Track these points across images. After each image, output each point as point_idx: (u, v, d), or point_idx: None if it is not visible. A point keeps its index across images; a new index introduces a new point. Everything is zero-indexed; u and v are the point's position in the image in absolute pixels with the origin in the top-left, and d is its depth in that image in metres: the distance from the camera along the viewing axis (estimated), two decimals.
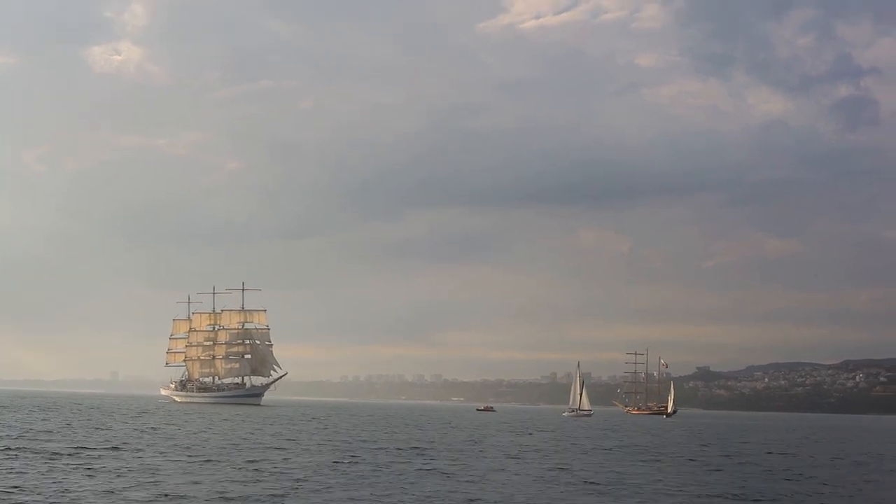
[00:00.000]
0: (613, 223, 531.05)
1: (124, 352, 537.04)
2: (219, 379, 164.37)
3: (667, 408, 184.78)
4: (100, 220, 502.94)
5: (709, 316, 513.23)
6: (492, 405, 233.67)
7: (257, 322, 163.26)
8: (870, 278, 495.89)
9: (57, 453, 36.18)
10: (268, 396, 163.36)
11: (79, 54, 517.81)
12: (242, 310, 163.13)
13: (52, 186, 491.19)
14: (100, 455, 36.32)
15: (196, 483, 28.25)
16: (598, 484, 31.63)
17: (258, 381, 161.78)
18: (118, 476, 29.53)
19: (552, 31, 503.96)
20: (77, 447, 38.54)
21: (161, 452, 38.72)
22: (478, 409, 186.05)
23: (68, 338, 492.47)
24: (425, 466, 36.20)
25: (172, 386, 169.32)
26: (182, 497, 25.17)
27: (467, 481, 31.13)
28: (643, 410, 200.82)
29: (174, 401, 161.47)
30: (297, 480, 29.81)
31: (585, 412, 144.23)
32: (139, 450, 39.88)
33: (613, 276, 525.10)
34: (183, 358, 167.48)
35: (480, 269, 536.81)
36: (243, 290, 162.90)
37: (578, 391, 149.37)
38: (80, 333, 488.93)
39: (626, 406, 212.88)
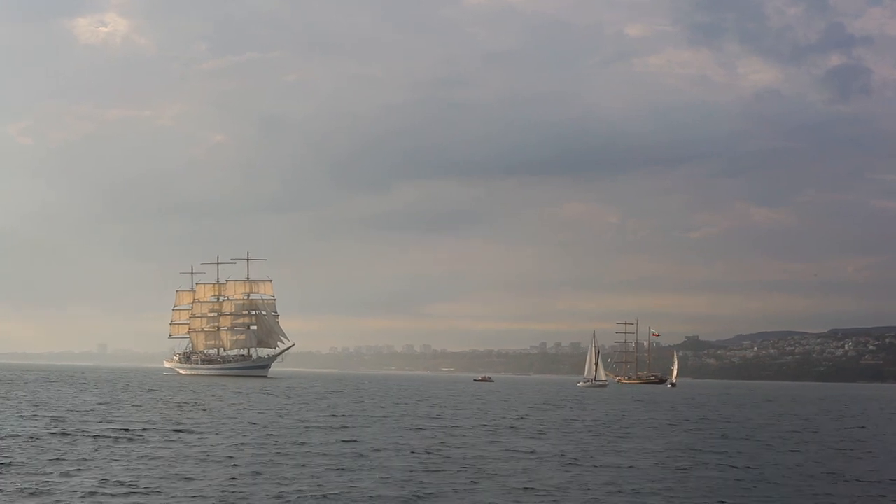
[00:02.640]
0: (601, 194, 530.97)
1: (111, 324, 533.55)
2: (224, 351, 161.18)
3: (671, 377, 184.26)
4: (85, 193, 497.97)
5: (697, 286, 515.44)
6: (490, 376, 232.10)
7: (263, 293, 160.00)
8: (857, 248, 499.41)
9: (138, 435, 32.96)
10: (272, 368, 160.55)
11: (64, 26, 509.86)
12: (247, 280, 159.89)
13: (37, 159, 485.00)
14: (179, 438, 33.43)
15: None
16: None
17: (264, 352, 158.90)
18: (276, 472, 26.72)
19: (539, 2, 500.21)
20: (143, 429, 35.45)
21: (238, 433, 35.99)
22: (475, 380, 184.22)
23: (55, 311, 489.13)
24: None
25: (176, 358, 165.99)
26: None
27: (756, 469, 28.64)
28: (633, 380, 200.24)
29: (178, 373, 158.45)
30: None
31: (601, 383, 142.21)
32: (209, 433, 37.09)
33: (601, 246, 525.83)
34: (187, 330, 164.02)
35: (468, 241, 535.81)
36: (248, 260, 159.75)
37: (594, 361, 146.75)
38: (67, 306, 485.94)
39: (617, 375, 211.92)
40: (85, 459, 25.16)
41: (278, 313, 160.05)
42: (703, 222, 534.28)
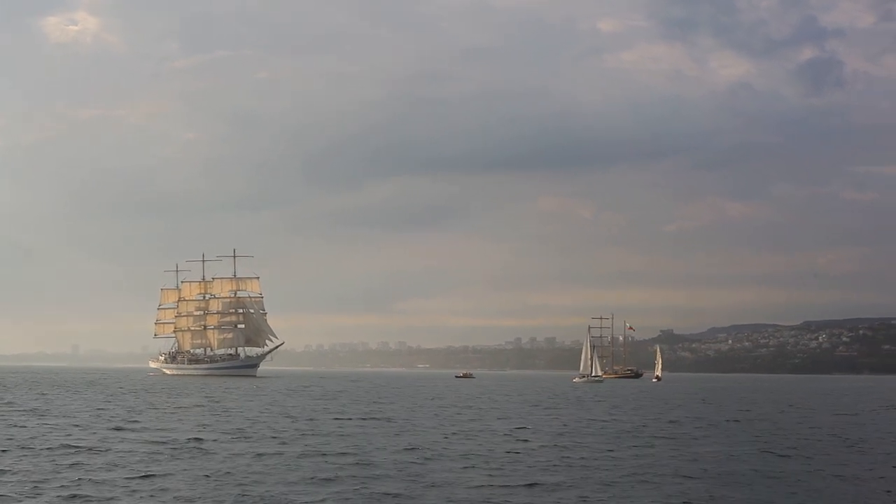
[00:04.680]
0: (576, 189, 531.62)
1: (83, 325, 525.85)
2: (211, 350, 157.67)
3: (656, 371, 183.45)
4: (57, 192, 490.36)
5: (670, 280, 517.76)
6: (471, 372, 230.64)
7: (250, 290, 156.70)
8: (829, 240, 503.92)
9: (195, 447, 30.37)
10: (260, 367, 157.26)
11: (34, 24, 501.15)
12: (234, 277, 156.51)
13: (8, 159, 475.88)
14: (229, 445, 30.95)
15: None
16: None
17: (252, 351, 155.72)
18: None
19: None
20: (193, 437, 32.82)
21: (290, 439, 33.63)
22: (456, 376, 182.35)
23: (26, 312, 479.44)
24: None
25: (161, 358, 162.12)
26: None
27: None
28: (609, 374, 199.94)
29: (164, 373, 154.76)
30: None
31: (596, 378, 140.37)
32: (262, 438, 34.64)
33: (576, 241, 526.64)
34: (172, 329, 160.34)
35: (442, 237, 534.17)
36: (234, 257, 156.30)
37: (589, 356, 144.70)
38: (39, 306, 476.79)
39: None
40: (229, 473, 22.68)
41: (266, 311, 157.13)
42: (678, 216, 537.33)
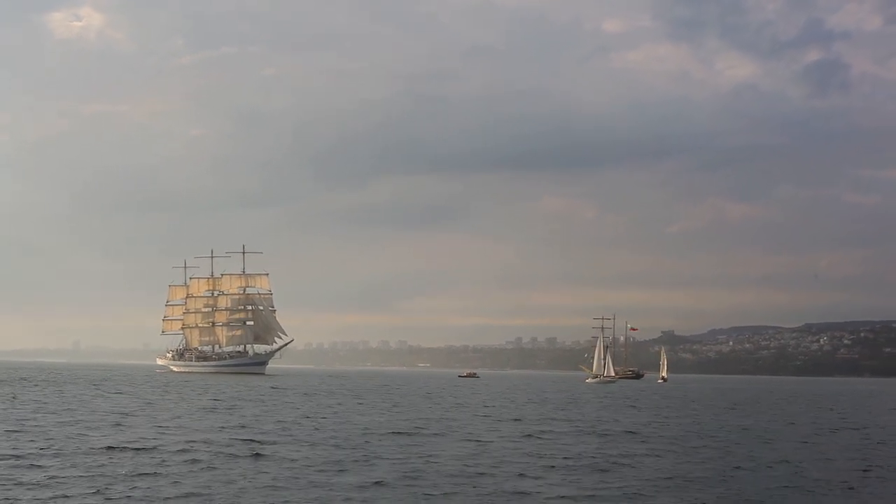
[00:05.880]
0: (579, 190, 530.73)
1: (85, 321, 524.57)
2: (219, 347, 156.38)
3: (661, 372, 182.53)
4: (61, 189, 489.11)
5: (672, 280, 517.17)
6: (475, 371, 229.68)
7: (259, 287, 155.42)
8: (831, 243, 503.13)
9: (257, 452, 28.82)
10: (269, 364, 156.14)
11: (39, 20, 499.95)
12: (243, 274, 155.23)
13: (13, 155, 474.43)
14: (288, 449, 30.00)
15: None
16: None
17: (261, 348, 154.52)
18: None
19: None
20: (247, 439, 31.96)
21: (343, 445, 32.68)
22: (460, 376, 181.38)
23: (28, 307, 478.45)
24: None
25: (169, 355, 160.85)
26: None
27: None
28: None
29: (172, 371, 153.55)
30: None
31: (609, 378, 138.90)
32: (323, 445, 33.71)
33: (579, 242, 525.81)
34: (180, 326, 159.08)
35: (445, 236, 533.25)
36: (244, 253, 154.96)
37: (602, 357, 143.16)
38: (40, 303, 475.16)
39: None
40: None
41: (275, 308, 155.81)
42: (681, 217, 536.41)
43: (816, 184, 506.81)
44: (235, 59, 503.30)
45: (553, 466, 24.60)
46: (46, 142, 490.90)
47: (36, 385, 76.37)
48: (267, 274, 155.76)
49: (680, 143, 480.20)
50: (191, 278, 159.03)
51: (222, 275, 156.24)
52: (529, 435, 34.17)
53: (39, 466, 22.27)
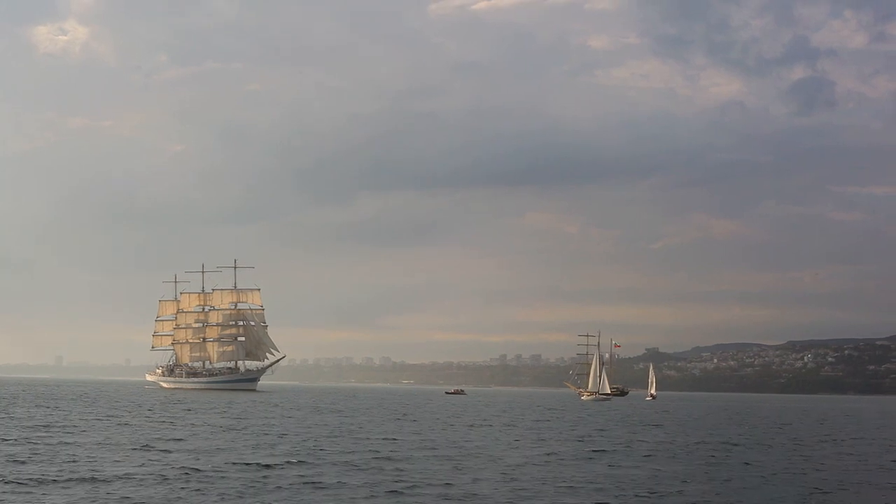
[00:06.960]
0: (563, 205, 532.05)
1: (67, 336, 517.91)
2: (210, 363, 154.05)
3: (650, 390, 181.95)
4: (44, 202, 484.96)
5: (656, 297, 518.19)
6: (462, 388, 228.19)
7: (251, 302, 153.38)
8: (814, 260, 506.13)
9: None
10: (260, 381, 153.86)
11: (24, 34, 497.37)
12: (235, 289, 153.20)
13: None
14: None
15: None
16: None
17: (252, 365, 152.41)
18: None
19: (505, 13, 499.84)
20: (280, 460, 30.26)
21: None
22: (447, 392, 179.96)
23: (10, 322, 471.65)
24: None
25: (159, 371, 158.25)
26: None
27: None
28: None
29: (161, 387, 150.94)
30: None
31: (605, 396, 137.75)
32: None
33: (562, 258, 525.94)
34: (170, 341, 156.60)
35: (429, 252, 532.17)
36: (235, 268, 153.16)
37: (598, 372, 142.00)
38: (22, 317, 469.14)
39: (579, 388, 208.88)
40: None
41: (267, 323, 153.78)
42: (665, 233, 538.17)
43: (801, 201, 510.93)
44: (220, 74, 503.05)
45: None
46: (30, 155, 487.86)
47: (50, 406, 74.07)
48: (259, 289, 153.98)
49: (665, 160, 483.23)
50: (181, 293, 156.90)
51: (213, 290, 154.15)
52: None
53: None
